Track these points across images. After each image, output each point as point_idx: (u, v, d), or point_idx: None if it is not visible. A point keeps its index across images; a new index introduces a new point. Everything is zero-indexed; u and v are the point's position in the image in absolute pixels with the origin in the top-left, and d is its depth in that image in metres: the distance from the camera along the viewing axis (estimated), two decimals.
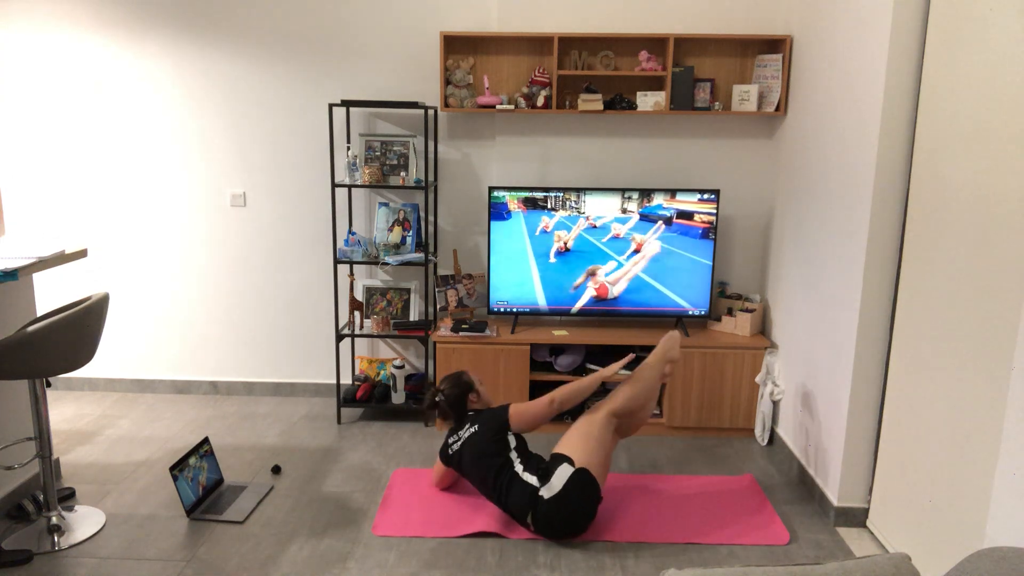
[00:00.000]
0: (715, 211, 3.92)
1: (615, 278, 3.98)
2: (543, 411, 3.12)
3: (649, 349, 4.12)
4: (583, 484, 2.92)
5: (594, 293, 4.02)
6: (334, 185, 3.87)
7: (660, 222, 3.91)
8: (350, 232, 4.08)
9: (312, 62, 4.11)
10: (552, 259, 4.00)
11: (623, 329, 4.12)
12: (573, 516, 2.92)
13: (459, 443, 3.17)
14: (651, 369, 3.24)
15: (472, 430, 3.15)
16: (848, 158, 3.08)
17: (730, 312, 4.11)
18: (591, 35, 3.88)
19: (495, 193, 3.95)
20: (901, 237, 2.88)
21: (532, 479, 2.96)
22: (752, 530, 3.05)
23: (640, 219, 3.94)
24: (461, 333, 3.95)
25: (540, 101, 3.90)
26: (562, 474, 2.93)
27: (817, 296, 3.38)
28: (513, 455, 3.07)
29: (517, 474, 2.99)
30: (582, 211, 3.95)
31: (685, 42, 3.98)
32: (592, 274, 3.97)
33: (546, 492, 2.92)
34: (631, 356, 3.37)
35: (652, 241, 3.93)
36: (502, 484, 3.00)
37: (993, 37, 2.31)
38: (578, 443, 3.03)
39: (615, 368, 3.28)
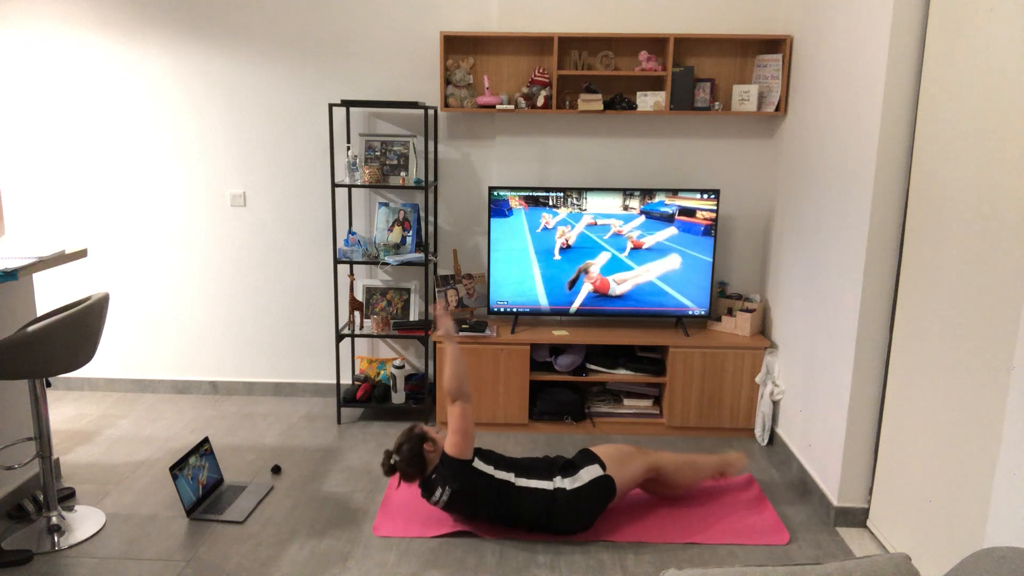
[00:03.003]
0: (715, 211, 3.92)
1: (623, 278, 3.97)
2: (459, 412, 2.94)
3: (649, 349, 4.14)
4: (605, 491, 2.96)
5: (591, 288, 4.01)
6: (334, 185, 3.87)
7: (672, 227, 3.91)
8: (350, 232, 4.08)
9: (312, 62, 4.12)
10: (556, 256, 3.99)
11: (623, 329, 4.11)
12: (585, 512, 2.94)
13: (442, 504, 2.99)
14: (706, 463, 3.28)
15: (447, 493, 2.94)
16: (848, 158, 3.08)
17: (730, 312, 4.11)
18: (591, 35, 3.89)
19: (495, 193, 3.95)
20: (901, 237, 2.88)
21: (541, 483, 2.95)
22: (752, 530, 3.05)
23: (644, 217, 3.94)
24: (461, 333, 3.95)
25: (540, 101, 3.90)
26: (591, 471, 2.97)
27: (817, 296, 3.38)
28: (500, 475, 2.97)
29: (520, 488, 2.95)
30: (584, 208, 3.95)
31: (685, 42, 3.98)
32: (585, 271, 3.97)
33: (569, 484, 2.94)
34: (443, 303, 3.23)
35: (672, 253, 3.92)
36: (510, 505, 2.94)
37: (993, 37, 2.31)
38: (615, 459, 3.07)
39: (447, 324, 3.14)
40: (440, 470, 2.95)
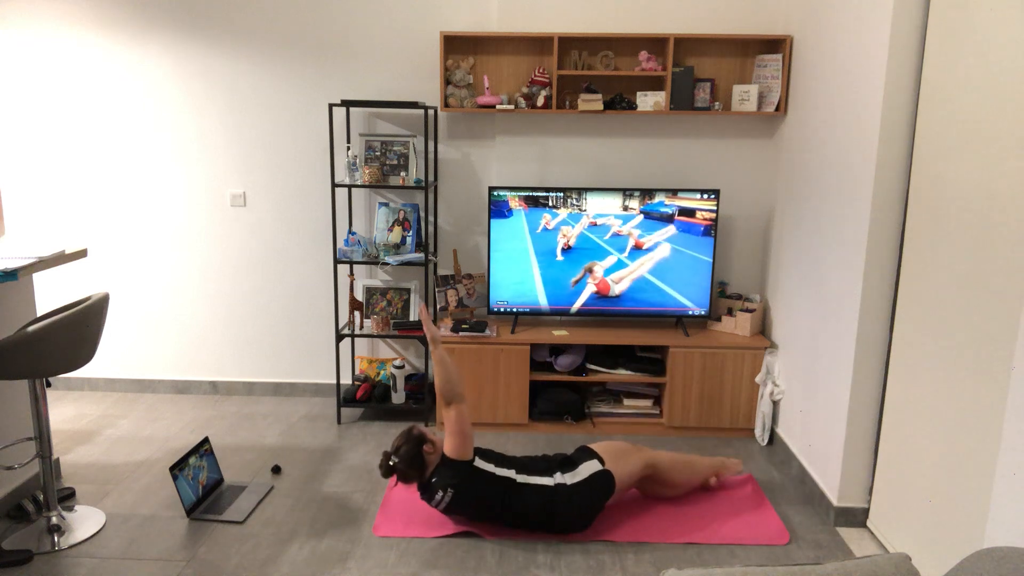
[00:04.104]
0: (715, 211, 3.92)
1: (619, 276, 3.98)
2: (454, 415, 2.90)
3: (649, 349, 4.14)
4: (604, 485, 2.98)
5: (594, 290, 4.02)
6: (334, 185, 3.87)
7: (671, 226, 3.91)
8: (350, 232, 4.08)
9: (312, 62, 4.12)
10: (559, 256, 3.99)
11: (623, 329, 4.11)
12: (585, 507, 2.95)
13: (443, 506, 2.97)
14: (702, 465, 3.30)
15: (449, 496, 2.92)
16: (848, 158, 3.08)
17: (730, 312, 4.11)
18: (591, 35, 3.88)
19: (495, 193, 3.95)
20: (901, 237, 2.88)
21: (541, 479, 2.95)
22: (752, 530, 3.05)
23: (643, 217, 3.94)
24: (461, 333, 3.95)
25: (540, 101, 3.90)
26: (591, 466, 2.99)
27: (817, 296, 3.38)
28: (502, 472, 2.96)
29: (522, 484, 2.94)
30: (583, 209, 3.95)
31: (685, 42, 3.98)
32: (590, 271, 3.97)
33: (569, 479, 2.95)
34: (424, 307, 3.10)
35: (661, 244, 3.93)
36: (512, 501, 2.93)
37: (993, 37, 2.31)
38: (613, 455, 3.09)
39: (430, 329, 3.03)
40: (440, 472, 2.93)
